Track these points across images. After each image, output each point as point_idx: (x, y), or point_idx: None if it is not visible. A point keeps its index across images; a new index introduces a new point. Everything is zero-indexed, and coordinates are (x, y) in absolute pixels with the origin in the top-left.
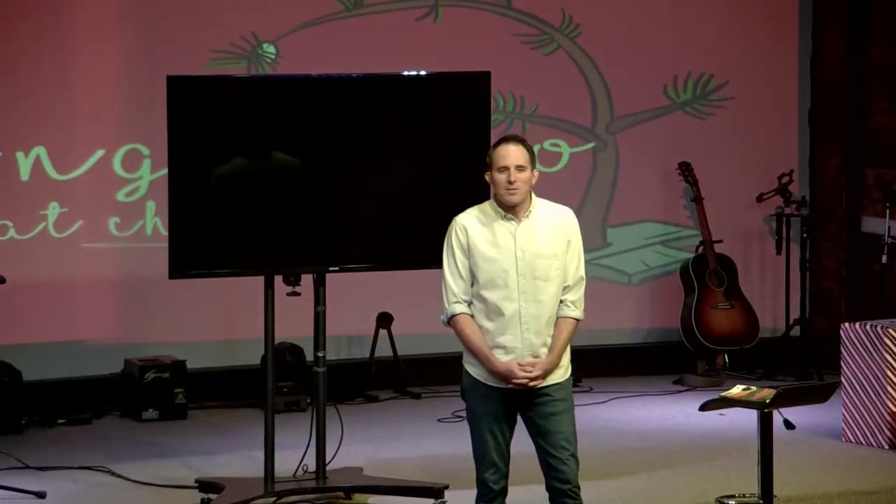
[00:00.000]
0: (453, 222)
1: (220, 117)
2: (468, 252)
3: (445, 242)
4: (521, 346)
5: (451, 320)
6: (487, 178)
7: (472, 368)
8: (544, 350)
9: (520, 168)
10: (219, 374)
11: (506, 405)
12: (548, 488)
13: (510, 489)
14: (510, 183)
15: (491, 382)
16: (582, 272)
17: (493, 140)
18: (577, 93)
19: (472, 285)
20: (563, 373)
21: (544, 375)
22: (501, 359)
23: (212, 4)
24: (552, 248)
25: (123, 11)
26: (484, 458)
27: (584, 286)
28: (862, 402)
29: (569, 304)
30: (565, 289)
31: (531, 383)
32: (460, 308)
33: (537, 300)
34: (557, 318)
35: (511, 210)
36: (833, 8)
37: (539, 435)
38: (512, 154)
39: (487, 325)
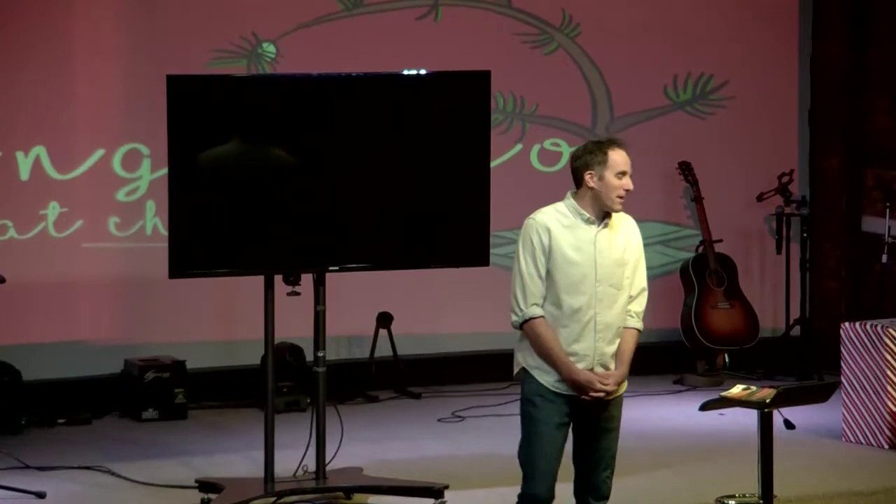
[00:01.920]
0: (531, 221)
1: (220, 117)
2: (549, 254)
3: (522, 241)
4: (592, 354)
5: (527, 323)
6: (589, 176)
7: (542, 374)
8: (612, 361)
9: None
10: (219, 374)
11: (568, 413)
12: (577, 496)
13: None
14: (627, 191)
15: (560, 390)
16: (645, 283)
17: (494, 141)
18: (577, 93)
19: (548, 289)
20: (622, 388)
21: (617, 388)
22: None
23: (212, 4)
24: (626, 256)
25: (123, 11)
26: (538, 469)
27: (646, 297)
28: (862, 402)
29: (633, 314)
30: (630, 299)
31: (606, 396)
32: (539, 311)
33: (611, 309)
34: (623, 328)
35: (595, 214)
36: (833, 8)
37: (587, 448)
38: (628, 161)
39: (560, 330)
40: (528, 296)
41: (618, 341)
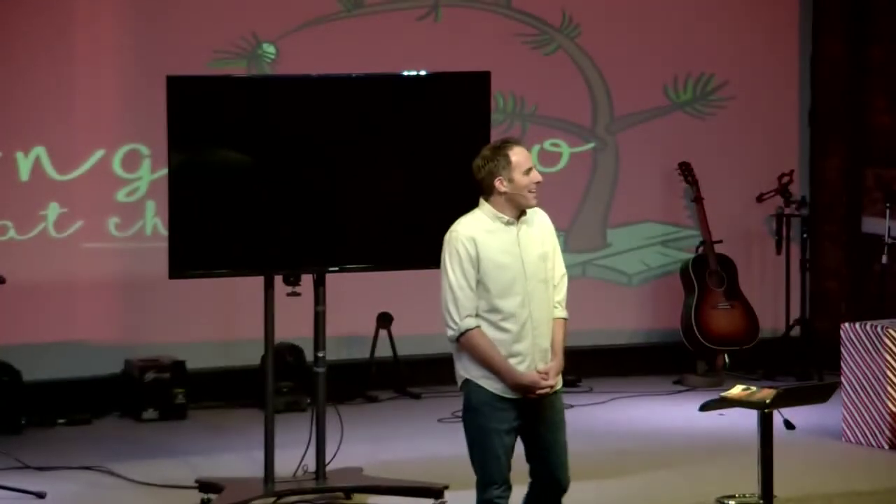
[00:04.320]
0: (454, 234)
1: (220, 117)
2: (477, 263)
3: (448, 255)
4: (532, 352)
5: (463, 336)
6: (499, 182)
7: (488, 382)
8: (549, 354)
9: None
10: (219, 374)
11: (518, 418)
12: (537, 493)
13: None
14: (536, 184)
15: (509, 395)
16: (564, 269)
17: (494, 140)
18: (577, 93)
19: (480, 297)
20: (560, 380)
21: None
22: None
23: (212, 4)
24: (545, 249)
25: (123, 11)
26: (493, 476)
27: (566, 283)
28: (862, 402)
29: (557, 304)
30: (553, 289)
31: (551, 390)
32: (473, 322)
33: (542, 304)
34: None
35: (513, 215)
36: (833, 8)
37: (542, 445)
38: (529, 156)
39: (500, 335)
40: (460, 308)
41: (551, 334)
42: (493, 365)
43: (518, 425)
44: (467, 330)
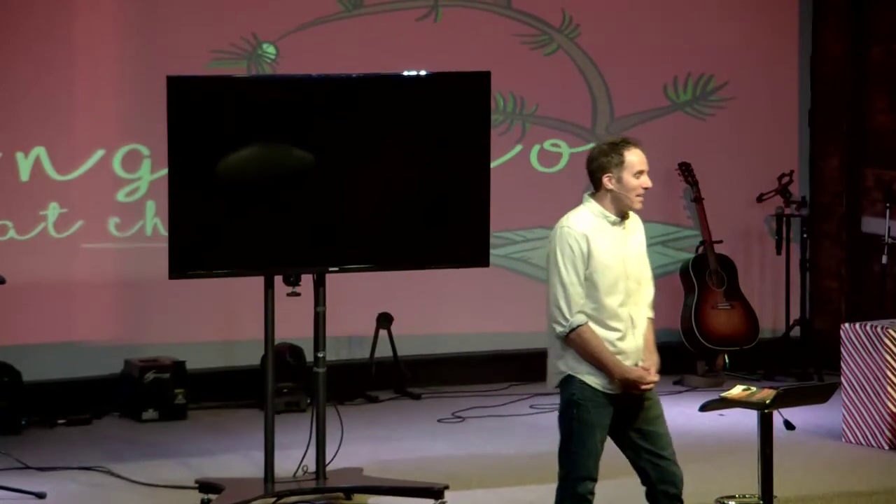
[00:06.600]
0: (567, 229)
1: (220, 117)
2: (587, 260)
3: (559, 250)
4: (635, 350)
5: (574, 331)
6: (607, 179)
7: (593, 378)
8: (642, 352)
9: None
10: (219, 375)
11: (615, 413)
12: (654, 492)
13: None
14: (645, 189)
15: (610, 390)
16: (650, 272)
17: (494, 141)
18: (577, 93)
19: (588, 294)
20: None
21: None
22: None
23: (212, 4)
24: (641, 250)
25: (123, 11)
26: (589, 471)
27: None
28: (862, 403)
29: (648, 304)
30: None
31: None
32: (583, 318)
33: (640, 303)
34: None
35: (618, 215)
36: (833, 7)
37: (645, 440)
38: (644, 159)
39: (608, 333)
40: (571, 305)
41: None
42: (601, 359)
43: (611, 423)
44: (578, 325)
